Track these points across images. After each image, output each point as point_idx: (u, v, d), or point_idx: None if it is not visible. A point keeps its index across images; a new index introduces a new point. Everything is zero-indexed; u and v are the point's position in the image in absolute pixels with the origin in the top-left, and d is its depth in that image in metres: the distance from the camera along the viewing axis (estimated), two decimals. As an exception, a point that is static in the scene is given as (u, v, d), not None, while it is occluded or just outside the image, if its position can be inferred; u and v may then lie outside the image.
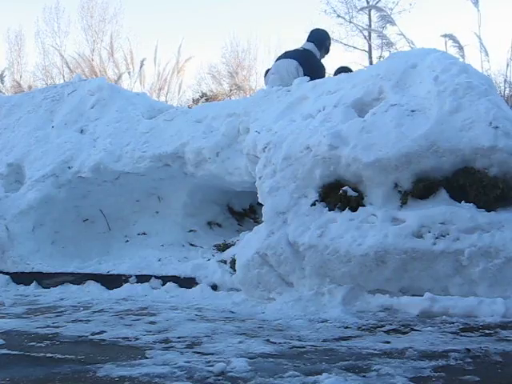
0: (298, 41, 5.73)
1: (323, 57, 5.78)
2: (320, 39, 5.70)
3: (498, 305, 2.92)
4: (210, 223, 5.06)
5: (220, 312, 3.30)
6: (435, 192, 3.35)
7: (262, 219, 3.71)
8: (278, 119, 4.10)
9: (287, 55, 5.66)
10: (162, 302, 3.65)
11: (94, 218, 4.96)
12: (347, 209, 3.45)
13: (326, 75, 5.59)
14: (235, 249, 4.08)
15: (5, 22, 36.61)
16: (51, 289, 4.30)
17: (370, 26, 18.31)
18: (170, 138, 4.69)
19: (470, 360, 2.16)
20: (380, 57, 17.76)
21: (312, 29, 5.95)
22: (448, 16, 25.72)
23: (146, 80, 12.76)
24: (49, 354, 2.36)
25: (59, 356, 2.33)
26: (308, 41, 5.72)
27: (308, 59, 5.51)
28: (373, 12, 14.63)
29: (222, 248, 4.41)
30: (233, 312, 3.32)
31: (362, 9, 14.68)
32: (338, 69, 6.07)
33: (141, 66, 11.91)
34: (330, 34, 6.04)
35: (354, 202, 3.45)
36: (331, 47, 5.94)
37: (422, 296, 3.08)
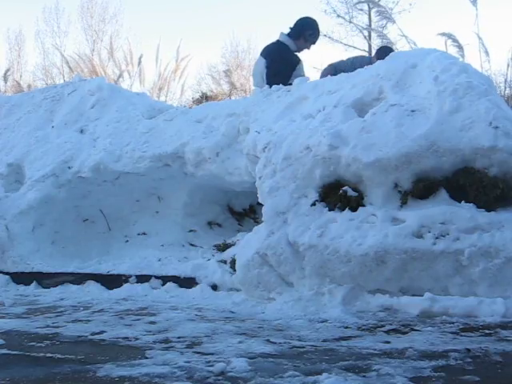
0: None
1: (305, 47, 5.38)
2: (297, 29, 5.31)
3: (498, 305, 2.92)
4: (210, 223, 5.05)
5: (220, 312, 3.30)
6: (435, 192, 3.36)
7: (262, 219, 3.71)
8: (278, 119, 4.10)
9: (262, 51, 5.48)
10: (162, 302, 3.65)
11: (94, 218, 4.96)
12: (347, 209, 3.45)
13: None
14: (235, 249, 4.07)
15: (5, 22, 36.62)
16: (51, 289, 4.30)
17: (370, 25, 18.29)
18: (169, 138, 4.69)
19: (470, 360, 2.16)
20: (380, 57, 17.70)
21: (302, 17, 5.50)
22: (448, 16, 25.77)
23: (146, 79, 12.73)
24: (49, 354, 2.36)
25: (59, 356, 2.33)
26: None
27: (278, 52, 5.24)
28: (372, 10, 14.54)
29: (222, 248, 4.41)
30: (233, 312, 3.32)
31: (358, 3, 14.50)
32: (381, 48, 5.94)
33: (139, 64, 11.88)
34: (315, 24, 5.48)
35: (354, 202, 3.45)
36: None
37: (422, 296, 3.08)
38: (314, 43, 5.42)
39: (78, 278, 4.34)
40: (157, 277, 4.15)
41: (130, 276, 4.22)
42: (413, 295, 3.16)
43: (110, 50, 13.65)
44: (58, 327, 2.91)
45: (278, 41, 5.38)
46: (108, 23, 22.48)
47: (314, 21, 5.53)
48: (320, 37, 5.62)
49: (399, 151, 3.36)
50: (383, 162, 3.38)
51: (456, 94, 3.49)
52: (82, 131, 5.14)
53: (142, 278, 4.16)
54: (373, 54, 5.86)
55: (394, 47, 8.06)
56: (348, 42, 19.53)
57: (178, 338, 2.62)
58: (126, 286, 4.14)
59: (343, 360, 2.20)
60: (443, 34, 7.31)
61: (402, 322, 2.88)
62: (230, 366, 2.10)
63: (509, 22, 26.85)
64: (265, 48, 5.49)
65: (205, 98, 14.99)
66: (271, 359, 2.24)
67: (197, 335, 2.66)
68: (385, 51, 5.55)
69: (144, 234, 4.87)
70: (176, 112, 5.03)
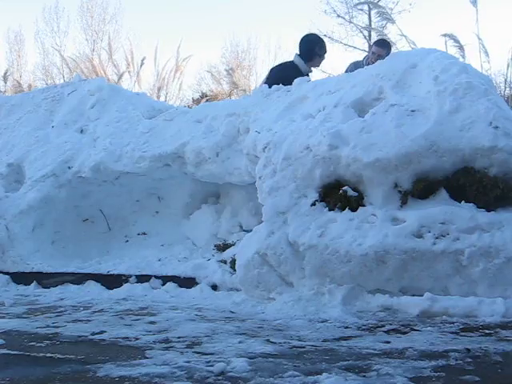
0: (297, 41, 5.55)
1: (319, 62, 5.50)
2: (306, 49, 5.38)
3: (498, 305, 2.92)
4: (209, 223, 5.05)
5: (220, 312, 3.30)
6: (435, 192, 3.36)
7: (262, 219, 3.71)
8: (278, 119, 4.10)
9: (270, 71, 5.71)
10: (162, 302, 3.64)
11: (94, 218, 4.96)
12: (347, 209, 3.45)
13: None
14: (235, 249, 4.07)
15: (5, 22, 36.62)
16: (51, 289, 4.30)
17: (370, 25, 18.30)
18: (170, 138, 4.69)
19: (470, 360, 2.16)
20: (380, 57, 17.67)
21: (302, 36, 5.57)
22: (448, 16, 25.78)
23: (146, 80, 12.76)
24: (49, 354, 2.36)
25: (59, 356, 2.33)
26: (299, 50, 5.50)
27: (279, 71, 5.38)
28: (372, 11, 14.56)
29: (222, 248, 4.41)
30: (233, 312, 3.32)
31: (358, 4, 14.48)
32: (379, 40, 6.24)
33: (141, 65, 11.93)
34: (320, 35, 5.71)
35: (354, 202, 3.45)
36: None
37: (422, 296, 3.08)
38: (324, 58, 5.50)
39: (78, 278, 4.34)
40: (157, 277, 4.15)
41: (130, 276, 4.21)
42: (413, 295, 3.16)
43: (109, 52, 13.66)
44: (57, 327, 2.91)
45: (291, 62, 5.46)
46: (108, 23, 22.49)
47: (316, 35, 5.80)
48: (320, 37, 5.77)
49: (399, 151, 3.36)
50: (383, 161, 3.38)
51: (456, 94, 3.49)
52: (82, 131, 5.14)
53: (142, 278, 4.16)
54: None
55: (394, 47, 8.09)
56: (348, 42, 19.55)
57: (178, 338, 2.62)
58: (125, 285, 4.14)
59: (343, 360, 2.20)
60: (445, 35, 7.33)
61: (401, 322, 2.88)
62: (230, 365, 2.10)
63: (509, 21, 26.86)
64: (275, 68, 5.66)
65: (205, 97, 14.99)
66: (271, 359, 2.24)
67: (197, 335, 2.66)
68: (383, 43, 5.75)
69: (144, 234, 4.87)
70: (176, 112, 5.03)
